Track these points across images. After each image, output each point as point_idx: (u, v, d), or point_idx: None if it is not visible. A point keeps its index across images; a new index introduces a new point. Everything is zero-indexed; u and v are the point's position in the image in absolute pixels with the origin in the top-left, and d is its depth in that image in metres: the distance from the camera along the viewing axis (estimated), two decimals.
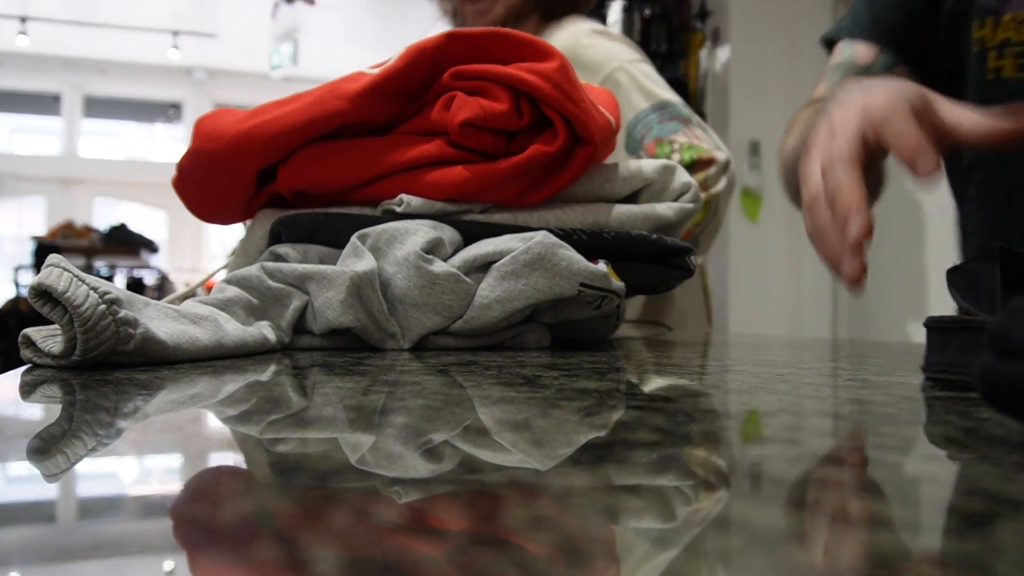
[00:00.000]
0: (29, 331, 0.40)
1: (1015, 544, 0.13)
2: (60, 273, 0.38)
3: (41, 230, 7.37)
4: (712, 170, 1.06)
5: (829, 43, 0.90)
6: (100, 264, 6.12)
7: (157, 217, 9.86)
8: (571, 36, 1.18)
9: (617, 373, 0.41)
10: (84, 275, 0.39)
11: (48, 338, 0.40)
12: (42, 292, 0.38)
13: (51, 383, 0.34)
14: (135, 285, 5.93)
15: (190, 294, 0.66)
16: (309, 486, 0.17)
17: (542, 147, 0.60)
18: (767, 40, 3.02)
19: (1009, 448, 0.21)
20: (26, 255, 6.05)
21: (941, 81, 0.78)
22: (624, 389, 0.34)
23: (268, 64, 7.80)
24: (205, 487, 0.18)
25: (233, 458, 0.22)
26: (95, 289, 0.38)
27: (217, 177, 0.65)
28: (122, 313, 0.39)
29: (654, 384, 0.38)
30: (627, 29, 3.20)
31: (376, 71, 0.64)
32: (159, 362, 0.41)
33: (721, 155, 1.07)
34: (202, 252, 9.90)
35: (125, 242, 6.35)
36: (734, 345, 0.70)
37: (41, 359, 0.39)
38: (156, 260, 7.03)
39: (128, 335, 0.39)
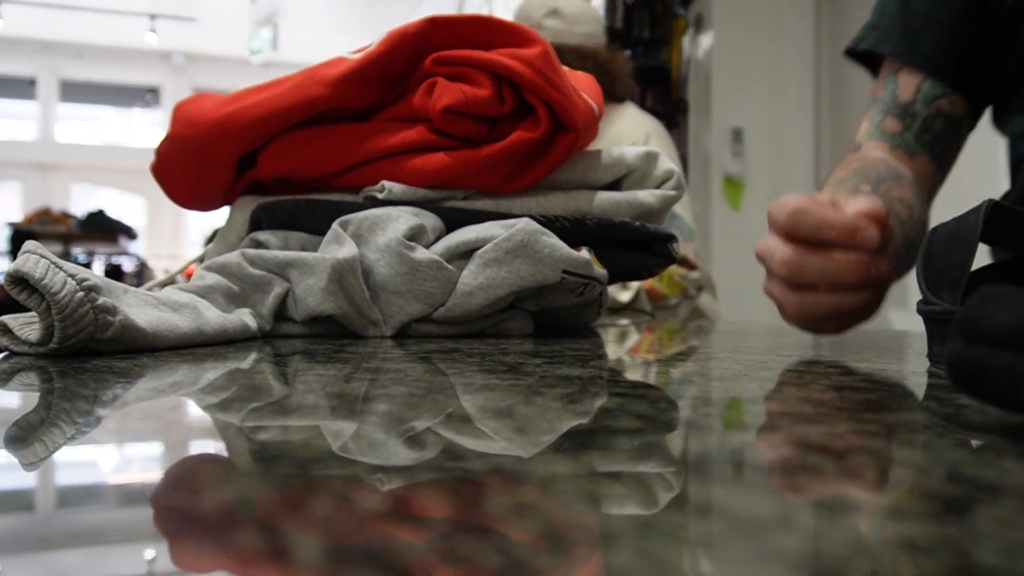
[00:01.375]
0: (6, 318, 0.40)
1: (993, 529, 0.13)
2: (37, 260, 0.38)
3: (17, 216, 7.28)
4: (696, 274, 1.13)
5: (855, 54, 0.86)
6: (78, 251, 6.07)
7: (135, 203, 9.77)
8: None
9: (599, 360, 0.41)
10: (61, 262, 0.39)
11: (25, 325, 0.39)
12: (19, 279, 0.37)
13: (29, 371, 0.34)
14: (113, 272, 5.88)
15: (169, 281, 0.65)
16: (291, 474, 0.17)
17: (524, 133, 0.60)
18: (750, 27, 3.02)
19: (988, 434, 0.21)
20: (2, 241, 5.97)
21: (1005, 82, 0.75)
22: (607, 376, 0.34)
23: (248, 49, 7.73)
24: (186, 475, 0.18)
25: (214, 446, 0.22)
26: (73, 276, 0.38)
27: (196, 163, 0.64)
28: (100, 300, 0.38)
29: (636, 371, 0.38)
30: (610, 15, 3.20)
31: (357, 56, 0.64)
32: (138, 350, 0.41)
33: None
34: (181, 239, 9.82)
35: (103, 228, 6.29)
36: (716, 332, 0.70)
37: (18, 347, 0.39)
38: (135, 247, 6.97)
39: (107, 322, 0.38)
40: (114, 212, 6.72)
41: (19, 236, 5.62)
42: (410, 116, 0.63)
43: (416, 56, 0.64)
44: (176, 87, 9.74)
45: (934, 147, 0.78)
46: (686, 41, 3.09)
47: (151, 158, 0.66)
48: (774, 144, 3.04)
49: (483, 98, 0.60)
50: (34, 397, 0.28)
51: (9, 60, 9.22)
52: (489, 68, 0.61)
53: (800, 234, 0.44)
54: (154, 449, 0.22)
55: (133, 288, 0.45)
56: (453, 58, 0.62)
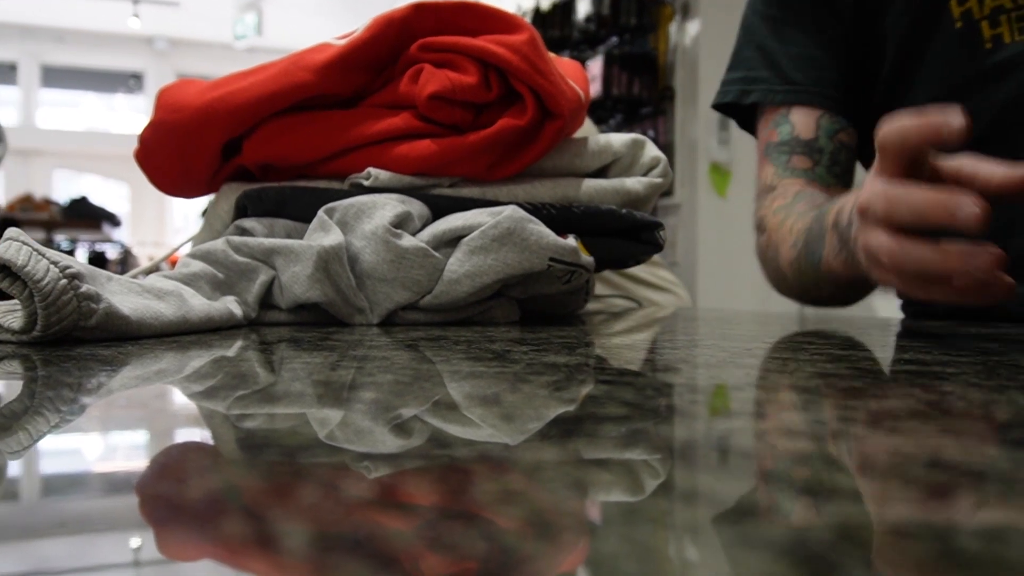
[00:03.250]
0: None
1: (975, 515, 0.13)
2: (19, 247, 0.37)
3: None
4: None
5: (728, 108, 0.87)
6: (61, 238, 6.02)
7: (119, 190, 9.69)
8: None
9: (586, 348, 0.41)
10: (44, 249, 0.38)
11: (8, 313, 0.39)
12: (1, 266, 0.37)
13: (11, 359, 0.34)
14: (97, 259, 5.83)
15: (154, 269, 0.65)
16: (277, 461, 0.17)
17: (511, 120, 0.60)
18: (736, 14, 3.02)
19: (971, 420, 0.22)
20: None
21: (888, 93, 0.77)
22: (593, 363, 0.35)
23: (232, 34, 7.67)
24: (171, 463, 0.18)
25: (200, 434, 0.22)
26: (56, 263, 0.38)
27: (180, 150, 0.64)
28: (84, 288, 0.38)
29: (623, 358, 0.38)
30: (597, 2, 3.19)
31: (342, 42, 0.63)
32: (123, 337, 0.41)
33: None
34: (165, 226, 9.76)
35: (86, 215, 6.24)
36: (702, 320, 0.70)
37: (1, 335, 0.39)
38: (118, 234, 6.92)
39: (90, 310, 0.38)
40: (97, 199, 6.66)
41: (1, 223, 5.57)
42: (396, 103, 0.63)
43: (402, 42, 0.64)
44: (159, 72, 9.65)
45: (843, 177, 0.80)
46: (673, 28, 3.09)
47: (134, 144, 0.66)
48: None
49: (469, 85, 0.60)
50: (17, 385, 0.28)
51: None
52: (475, 55, 0.61)
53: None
54: (139, 437, 0.22)
55: (117, 276, 0.44)
56: (439, 44, 0.62)
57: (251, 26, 7.50)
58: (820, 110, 0.79)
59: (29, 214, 5.87)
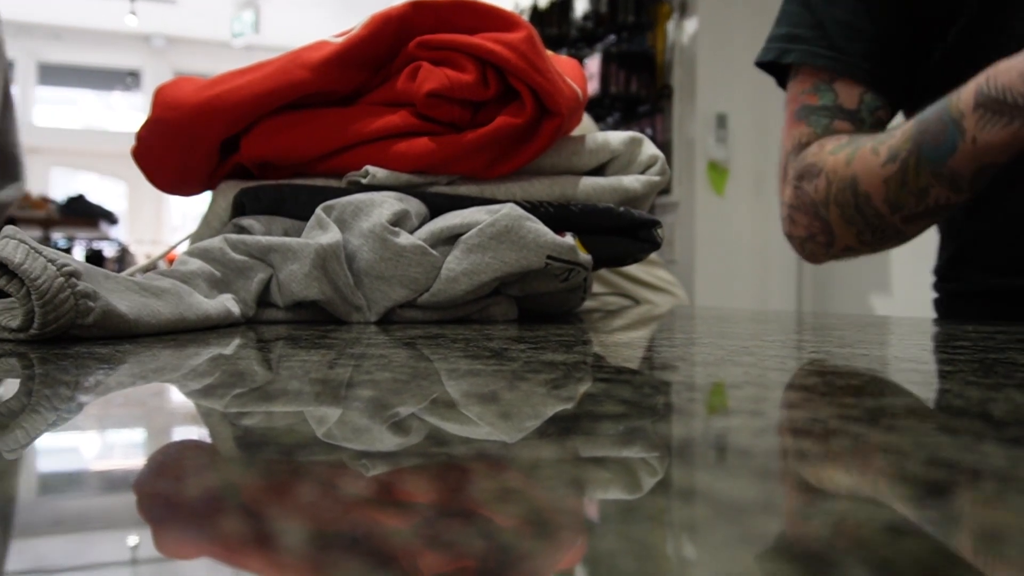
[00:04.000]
0: None
1: (972, 512, 0.13)
2: (16, 245, 0.37)
3: None
4: None
5: (768, 66, 0.86)
6: (58, 236, 6.01)
7: (116, 188, 9.68)
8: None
9: (584, 346, 0.41)
10: (41, 247, 0.38)
11: (5, 311, 0.39)
12: None
13: (8, 357, 0.33)
14: (94, 257, 5.83)
15: (152, 266, 0.65)
16: (275, 459, 0.17)
17: (509, 119, 0.60)
18: (735, 12, 3.02)
19: (968, 418, 0.22)
20: None
21: (963, 47, 0.75)
22: (591, 362, 0.35)
23: (229, 32, 7.66)
24: (169, 461, 0.18)
25: (197, 432, 0.22)
26: (52, 261, 0.37)
27: (178, 147, 0.64)
28: (81, 286, 0.38)
29: (620, 357, 0.38)
30: (594, 0, 3.19)
31: (340, 40, 0.63)
32: (120, 336, 0.41)
33: None
34: (163, 224, 9.75)
35: (84, 213, 6.23)
36: (700, 318, 0.70)
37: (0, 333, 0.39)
38: (116, 232, 6.91)
39: (88, 308, 0.38)
40: (95, 197, 6.65)
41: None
42: (394, 100, 0.63)
43: (400, 40, 0.64)
44: (157, 70, 9.64)
45: None
46: (671, 26, 3.09)
47: (132, 142, 0.65)
48: (758, 130, 3.05)
49: (467, 83, 0.60)
50: (14, 383, 0.28)
51: None
52: (473, 52, 0.61)
53: None
54: (137, 435, 0.22)
55: (114, 274, 0.44)
56: (437, 42, 0.62)
57: (248, 24, 7.49)
58: (864, 86, 0.78)
59: (26, 212, 5.86)
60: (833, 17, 0.79)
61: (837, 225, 0.78)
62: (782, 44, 0.83)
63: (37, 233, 5.78)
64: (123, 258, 6.18)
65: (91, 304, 0.38)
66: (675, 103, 3.07)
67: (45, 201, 6.20)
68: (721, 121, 2.96)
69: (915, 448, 0.18)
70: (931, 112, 0.68)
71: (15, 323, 0.38)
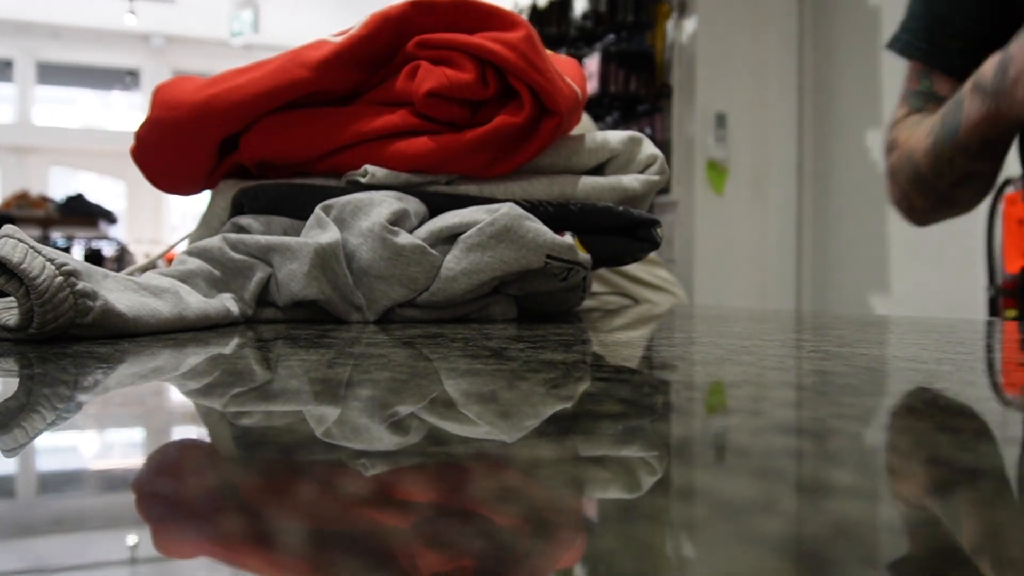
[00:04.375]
0: None
1: (972, 511, 0.13)
2: (15, 244, 0.37)
3: None
4: None
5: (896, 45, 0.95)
6: (57, 235, 6.00)
7: (115, 187, 9.67)
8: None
9: (583, 345, 0.41)
10: (40, 246, 0.38)
11: (4, 310, 0.39)
12: None
13: (7, 356, 0.33)
14: (93, 257, 5.82)
15: (151, 266, 0.65)
16: (274, 459, 0.17)
17: (508, 118, 0.60)
18: (734, 12, 3.02)
19: (967, 418, 0.22)
20: None
21: None
22: (590, 361, 0.35)
23: (228, 31, 7.65)
24: (168, 461, 0.18)
25: (196, 431, 0.22)
26: (52, 260, 0.37)
27: (177, 147, 0.63)
28: (80, 285, 0.38)
29: (620, 356, 0.38)
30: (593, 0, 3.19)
31: (339, 39, 0.63)
32: (119, 335, 0.40)
33: None
34: (162, 223, 9.74)
35: (83, 212, 6.23)
36: (699, 317, 0.70)
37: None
38: (115, 231, 6.90)
39: (87, 307, 0.38)
40: (94, 196, 6.65)
41: None
42: (393, 100, 0.63)
43: (399, 39, 0.64)
44: (156, 70, 9.63)
45: None
46: (670, 25, 3.09)
47: (131, 142, 0.65)
48: (757, 129, 3.05)
49: (466, 82, 0.60)
50: (13, 383, 0.28)
51: None
52: (472, 52, 0.61)
53: None
54: (136, 435, 0.22)
55: (113, 273, 0.44)
56: (436, 41, 0.62)
57: (247, 23, 7.48)
58: (955, 79, 0.86)
59: (25, 211, 5.86)
60: (936, 12, 0.88)
61: (909, 191, 0.89)
62: (898, 32, 0.93)
63: (36, 233, 5.78)
64: (122, 257, 6.18)
65: (90, 303, 0.38)
66: (674, 102, 3.07)
67: (44, 200, 6.19)
68: (720, 120, 2.96)
69: (914, 447, 0.18)
70: (956, 95, 0.79)
71: (14, 322, 0.38)
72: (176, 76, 0.66)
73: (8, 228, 0.39)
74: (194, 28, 9.14)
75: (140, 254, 7.14)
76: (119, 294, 0.42)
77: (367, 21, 0.63)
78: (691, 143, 2.99)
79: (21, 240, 0.38)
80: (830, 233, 3.09)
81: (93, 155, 9.59)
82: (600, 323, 0.58)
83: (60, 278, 0.37)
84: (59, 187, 8.69)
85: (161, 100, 0.62)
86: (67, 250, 5.54)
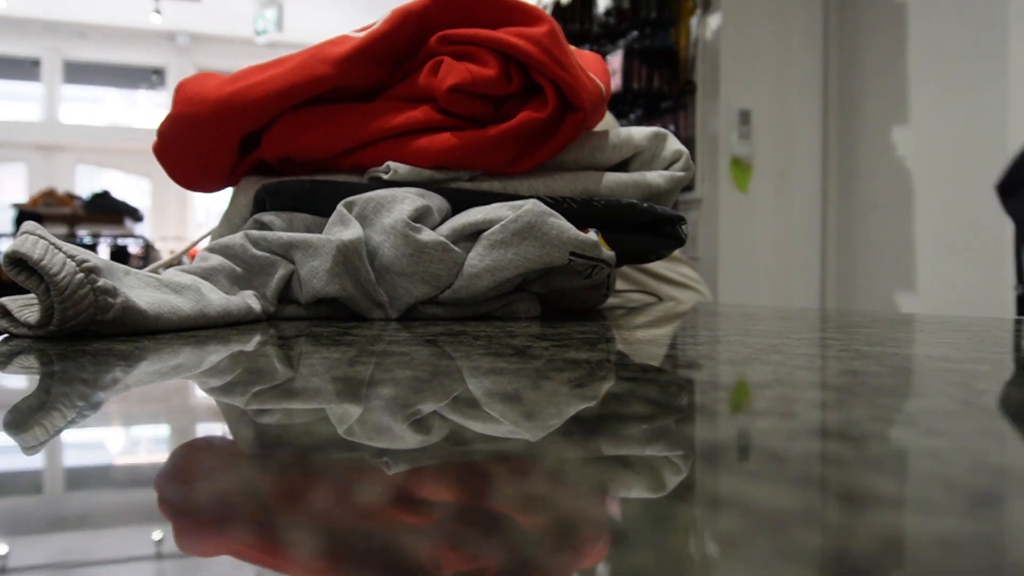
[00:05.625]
0: (5, 300, 0.39)
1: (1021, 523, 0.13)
2: (36, 241, 0.37)
3: (22, 197, 7.26)
4: None
5: None
6: (83, 232, 6.06)
7: (141, 185, 9.76)
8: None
9: (607, 343, 0.40)
10: (61, 243, 0.38)
11: (25, 307, 0.39)
12: (17, 260, 0.37)
13: (28, 353, 0.33)
14: (119, 254, 5.87)
15: (176, 262, 0.65)
16: (295, 458, 0.16)
17: (532, 114, 0.59)
18: (758, 7, 2.99)
19: (1011, 420, 0.21)
20: (7, 223, 5.94)
21: None
22: (615, 360, 0.34)
23: (253, 29, 7.70)
24: (190, 459, 0.18)
25: (218, 429, 0.22)
26: (72, 257, 0.37)
27: (198, 143, 0.63)
28: (101, 282, 0.38)
29: (645, 355, 0.38)
30: None
31: (361, 35, 0.63)
32: (140, 332, 0.40)
33: None
34: (187, 220, 9.82)
35: (108, 210, 6.29)
36: (724, 315, 0.69)
37: (17, 329, 0.38)
38: (140, 228, 6.96)
39: (107, 304, 0.38)
40: (119, 194, 6.70)
41: (24, 217, 5.62)
42: (415, 96, 0.63)
43: (421, 34, 0.63)
44: (181, 68, 9.71)
45: None
46: (693, 22, 3.06)
47: (155, 139, 0.65)
48: (781, 125, 3.02)
49: (489, 77, 0.60)
50: (34, 380, 0.28)
51: (12, 41, 9.20)
52: (495, 47, 0.60)
53: None
54: (157, 432, 0.21)
55: (135, 270, 0.44)
56: (459, 36, 0.61)
57: (271, 21, 7.52)
58: None
59: (52, 209, 5.92)
60: None
61: None
62: None
63: (63, 230, 5.84)
64: (148, 255, 6.23)
65: (111, 300, 0.38)
66: (698, 99, 3.04)
67: (71, 198, 6.26)
68: (744, 117, 2.93)
69: (958, 453, 0.17)
70: None
71: (34, 319, 0.38)
72: (199, 72, 0.66)
73: (29, 225, 0.39)
74: (219, 26, 9.21)
75: (165, 251, 7.20)
76: (140, 291, 0.42)
77: (389, 17, 0.62)
78: (715, 140, 2.96)
79: (42, 237, 0.38)
80: (855, 230, 3.06)
81: (119, 153, 9.69)
82: (624, 321, 0.58)
83: (80, 274, 0.37)
84: (85, 185, 8.79)
85: (183, 96, 0.62)
86: (93, 247, 5.59)
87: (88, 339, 0.38)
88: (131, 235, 6.39)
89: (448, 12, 0.63)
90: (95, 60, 9.71)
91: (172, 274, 0.48)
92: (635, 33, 3.27)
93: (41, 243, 0.37)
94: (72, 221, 6.04)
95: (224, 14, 8.69)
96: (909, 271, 2.83)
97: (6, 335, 0.39)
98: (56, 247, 0.37)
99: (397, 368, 0.30)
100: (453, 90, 0.59)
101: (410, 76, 0.64)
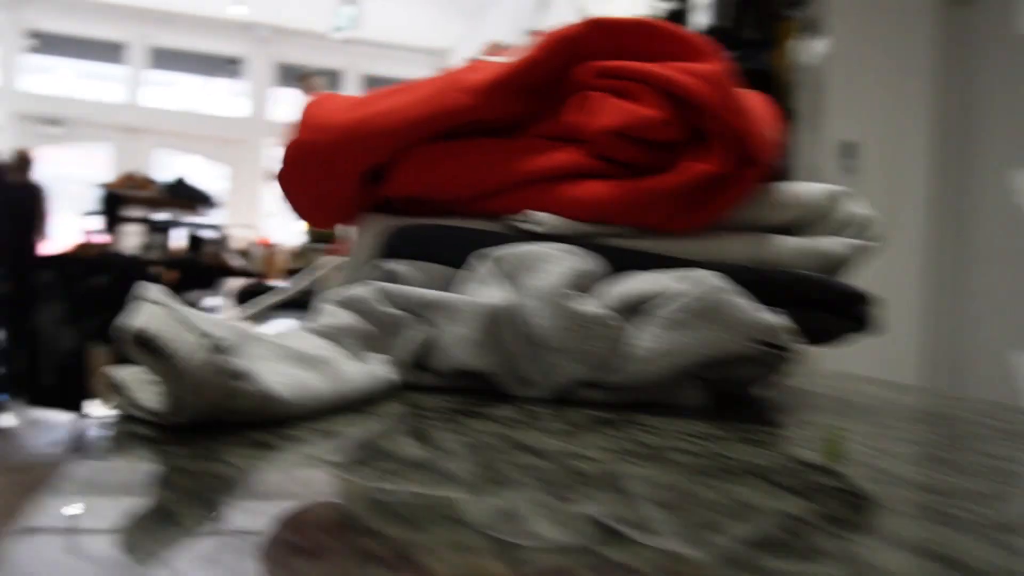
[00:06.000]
0: (124, 375, 0.33)
1: None
2: (165, 315, 0.31)
3: (109, 176, 7.36)
4: None
5: None
6: (161, 216, 6.13)
7: (218, 171, 9.93)
8: None
9: (785, 444, 0.33)
10: (188, 313, 0.32)
11: (142, 385, 0.33)
12: (144, 340, 0.31)
13: (150, 443, 0.27)
14: (194, 241, 5.93)
15: (297, 298, 0.59)
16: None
17: (704, 166, 0.51)
18: (870, 33, 2.84)
19: None
20: (92, 200, 6.01)
21: None
22: (798, 466, 0.26)
23: (330, 25, 7.78)
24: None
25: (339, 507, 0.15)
26: (206, 335, 0.31)
27: (319, 172, 0.57)
28: (236, 366, 0.31)
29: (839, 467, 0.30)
30: (721, 13, 3.06)
31: (501, 60, 0.56)
32: (275, 421, 0.34)
33: None
34: (258, 209, 9.95)
35: (186, 195, 6.36)
36: (918, 414, 0.61)
37: (138, 412, 0.32)
38: (216, 216, 7.03)
39: (244, 393, 0.31)
40: (196, 180, 6.78)
41: (110, 198, 5.72)
42: (561, 135, 0.56)
43: (572, 64, 0.56)
44: (259, 59, 9.89)
45: None
46: (795, 44, 2.94)
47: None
48: (889, 162, 2.84)
49: (652, 119, 0.52)
50: (159, 472, 0.22)
51: (101, 25, 9.47)
52: (659, 84, 0.53)
53: None
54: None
55: (263, 334, 0.38)
56: (617, 70, 0.54)
57: (350, 18, 7.59)
58: None
59: (132, 191, 5.99)
60: None
61: None
62: None
63: (141, 213, 5.91)
64: (223, 242, 6.24)
65: (248, 388, 0.32)
66: (798, 128, 2.89)
67: (149, 182, 6.34)
68: (848, 150, 2.77)
69: None
70: None
71: (159, 405, 0.31)
72: (322, 94, 0.60)
73: (153, 293, 0.32)
74: (298, 20, 9.35)
75: (239, 240, 7.20)
76: (274, 365, 0.35)
77: (542, 42, 0.56)
78: (814, 173, 2.80)
79: (168, 307, 0.32)
80: (968, 281, 2.81)
81: (196, 139, 9.89)
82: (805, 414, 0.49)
83: (218, 356, 0.31)
84: (164, 169, 8.94)
85: (310, 122, 0.56)
86: (165, 231, 5.66)
87: (217, 428, 0.32)
88: (209, 226, 6.41)
89: (605, 40, 0.56)
90: (178, 47, 9.94)
91: (302, 339, 0.41)
92: (734, 53, 3.16)
93: (169, 318, 0.31)
94: (152, 205, 6.10)
95: (304, 8, 8.82)
96: None
97: (120, 414, 0.33)
98: (186, 322, 0.31)
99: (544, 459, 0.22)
100: (611, 132, 0.52)
101: (555, 111, 0.57)
